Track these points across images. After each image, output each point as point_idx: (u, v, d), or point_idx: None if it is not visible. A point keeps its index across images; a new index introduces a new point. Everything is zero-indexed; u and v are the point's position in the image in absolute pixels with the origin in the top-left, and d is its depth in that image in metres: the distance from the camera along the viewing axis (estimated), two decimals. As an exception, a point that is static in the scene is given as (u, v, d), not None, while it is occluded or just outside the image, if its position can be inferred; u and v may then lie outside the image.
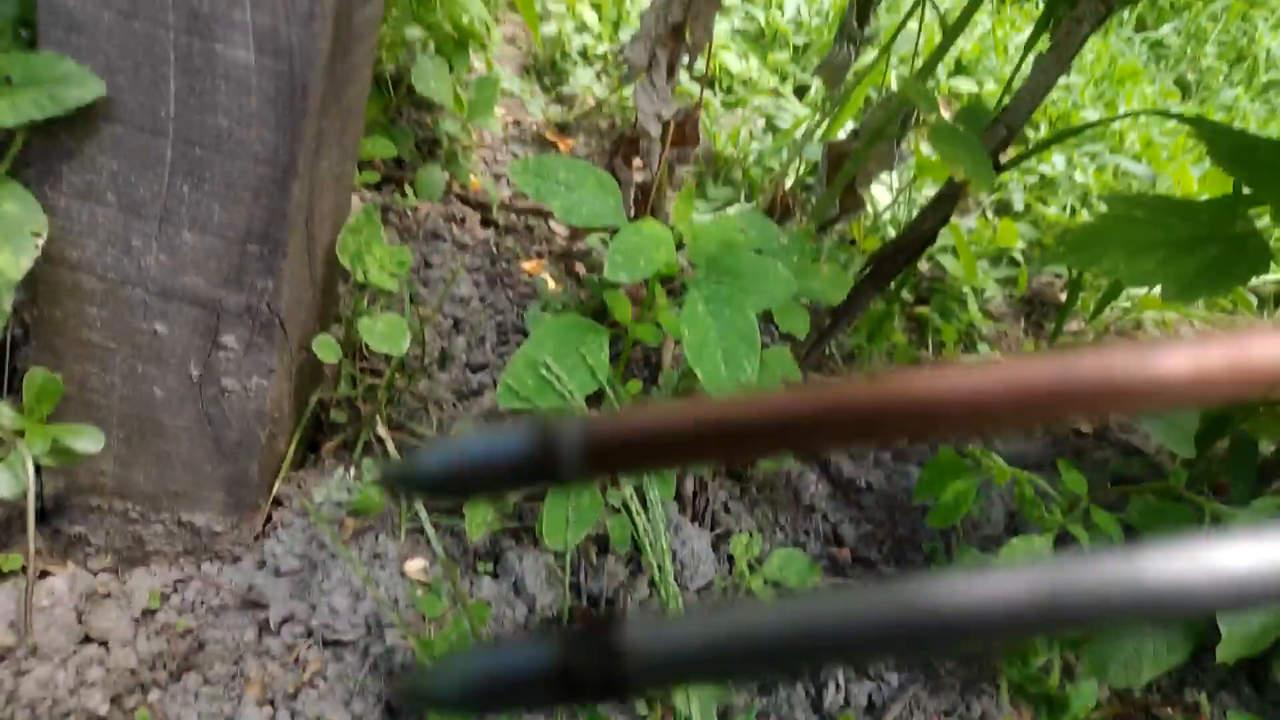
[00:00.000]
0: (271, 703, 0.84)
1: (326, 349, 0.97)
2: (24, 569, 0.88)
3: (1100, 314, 1.36)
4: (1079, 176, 1.86)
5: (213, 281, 0.90)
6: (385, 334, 0.92)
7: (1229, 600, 0.15)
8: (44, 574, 0.95)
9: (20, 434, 0.89)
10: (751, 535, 0.86)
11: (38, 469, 0.97)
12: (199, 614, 0.93)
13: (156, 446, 0.96)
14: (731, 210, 1.91)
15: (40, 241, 0.87)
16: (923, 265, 1.75)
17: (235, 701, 0.84)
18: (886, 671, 0.91)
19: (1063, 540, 0.88)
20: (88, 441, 0.92)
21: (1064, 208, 1.82)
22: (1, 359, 1.08)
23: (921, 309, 1.59)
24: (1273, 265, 1.04)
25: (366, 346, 1.10)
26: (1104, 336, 1.51)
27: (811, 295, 0.95)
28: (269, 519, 1.01)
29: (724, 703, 0.86)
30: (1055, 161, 1.89)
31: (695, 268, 0.80)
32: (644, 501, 0.86)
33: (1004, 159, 0.99)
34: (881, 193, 1.81)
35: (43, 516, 0.99)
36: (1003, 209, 1.92)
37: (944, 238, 1.64)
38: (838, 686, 0.89)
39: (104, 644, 0.88)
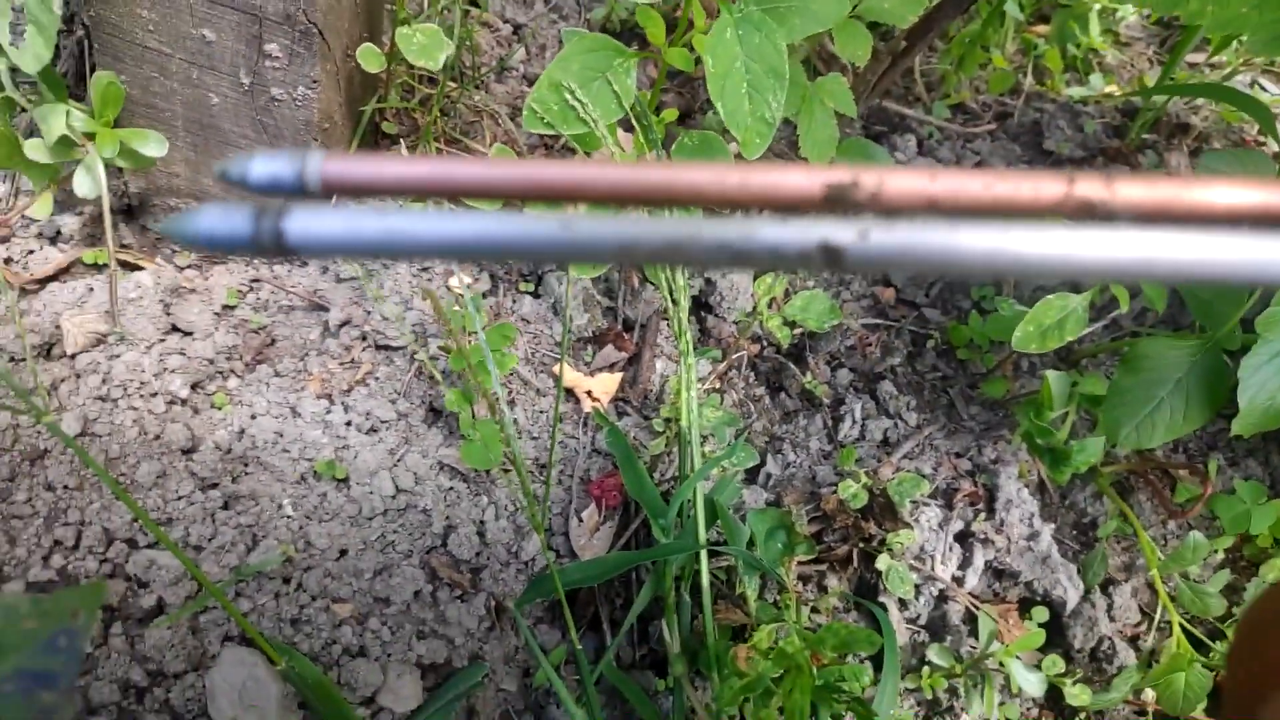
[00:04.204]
0: (329, 397, 0.93)
1: (370, 57, 0.95)
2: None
3: (1221, 50, 1.19)
4: None
5: (250, -14, 0.88)
6: (424, 46, 0.89)
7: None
8: (134, 268, 1.03)
9: (91, 137, 0.94)
10: (776, 276, 0.86)
11: (119, 171, 1.03)
12: (271, 312, 1.01)
13: (220, 151, 1.00)
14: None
15: (81, -62, 0.86)
16: (1052, -26, 1.54)
17: (299, 393, 0.93)
18: (906, 412, 0.93)
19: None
20: (153, 146, 0.96)
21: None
22: (80, 66, 1.11)
23: (1036, 30, 1.42)
24: None
25: (420, 56, 1.07)
26: (1229, 77, 1.32)
27: (877, 16, 0.86)
28: (330, 228, 1.06)
29: (738, 428, 0.90)
30: None
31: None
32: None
33: None
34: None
35: (130, 214, 1.06)
36: (1164, -95, 1.63)
37: (1078, -58, 1.43)
38: (854, 420, 0.92)
39: (188, 334, 0.98)
